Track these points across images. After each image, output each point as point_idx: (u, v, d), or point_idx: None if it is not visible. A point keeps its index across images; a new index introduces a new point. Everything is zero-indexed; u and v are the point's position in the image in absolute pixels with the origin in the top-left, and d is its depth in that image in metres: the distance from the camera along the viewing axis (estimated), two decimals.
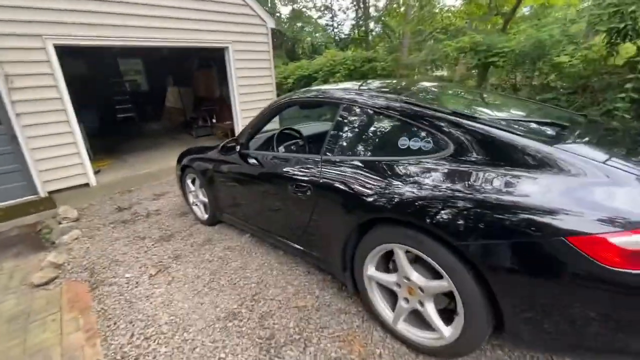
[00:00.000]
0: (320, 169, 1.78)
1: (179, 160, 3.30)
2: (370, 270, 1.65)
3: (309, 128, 3.24)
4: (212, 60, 7.66)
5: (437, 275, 1.38)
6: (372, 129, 1.70)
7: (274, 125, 3.46)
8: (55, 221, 3.75)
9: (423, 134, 1.48)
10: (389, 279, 1.59)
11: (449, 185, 1.28)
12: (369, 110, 1.70)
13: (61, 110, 4.38)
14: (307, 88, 2.24)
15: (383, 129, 1.67)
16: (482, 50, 4.77)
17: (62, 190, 4.63)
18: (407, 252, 1.46)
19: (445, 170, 1.34)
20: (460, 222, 1.19)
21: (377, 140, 1.68)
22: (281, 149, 2.57)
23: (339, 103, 1.82)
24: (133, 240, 3.07)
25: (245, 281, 2.29)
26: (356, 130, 1.75)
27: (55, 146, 4.42)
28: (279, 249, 2.62)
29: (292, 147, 2.65)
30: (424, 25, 8.76)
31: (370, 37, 17.13)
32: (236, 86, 6.10)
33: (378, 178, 1.52)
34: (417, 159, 1.44)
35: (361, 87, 2.00)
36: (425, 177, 1.37)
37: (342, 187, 1.64)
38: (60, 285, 2.54)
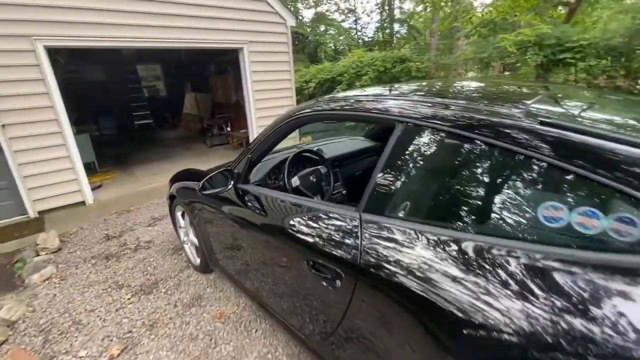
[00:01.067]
0: (359, 237, 1.00)
1: (170, 185, 2.62)
2: None
3: (333, 147, 2.47)
4: (229, 65, 7.11)
5: None
6: (475, 177, 0.88)
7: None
8: (34, 251, 3.19)
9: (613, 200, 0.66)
10: None
11: None
12: (461, 139, 0.90)
13: (53, 121, 3.86)
14: (333, 95, 1.46)
15: (502, 180, 0.85)
16: (550, 44, 3.82)
17: (55, 209, 4.11)
18: None
19: None
20: None
21: (488, 201, 0.85)
22: (295, 180, 1.81)
23: (396, 121, 1.05)
24: (108, 290, 2.41)
25: None
26: (434, 174, 0.97)
27: (46, 161, 3.91)
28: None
29: (310, 178, 1.88)
30: (463, 23, 7.82)
31: (394, 40, 16.37)
32: (251, 91, 5.45)
33: (508, 291, 0.70)
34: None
35: (429, 93, 1.22)
36: None
37: (413, 287, 0.85)
38: (3, 356, 1.91)
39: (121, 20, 4.08)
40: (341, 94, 1.43)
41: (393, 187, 0.99)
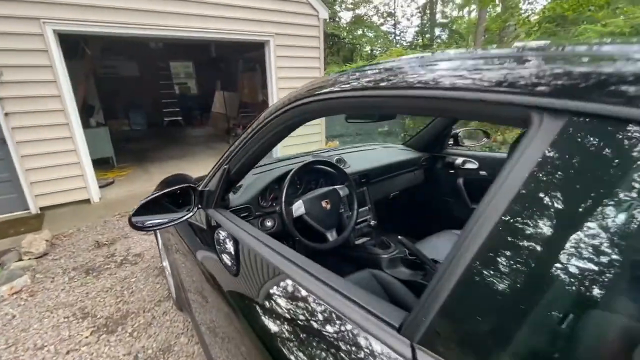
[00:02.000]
0: None
1: None
2: None
3: (360, 157, 1.85)
4: (257, 62, 6.73)
5: None
6: None
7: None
8: (18, 254, 2.85)
9: None
10: None
11: None
12: None
13: (59, 111, 3.58)
14: (369, 64, 0.74)
15: None
16: None
17: (57, 206, 3.83)
18: None
19: None
20: None
21: None
22: (298, 206, 1.22)
23: (543, 111, 0.37)
24: (70, 318, 1.95)
25: None
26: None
27: (50, 154, 3.63)
28: None
29: (322, 203, 1.28)
30: (518, 21, 6.87)
31: (434, 44, 15.50)
32: (276, 89, 4.95)
33: None
34: None
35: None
36: None
37: None
38: None
39: (140, 5, 3.74)
40: (384, 62, 0.68)
41: (525, 289, 0.36)
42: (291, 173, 1.25)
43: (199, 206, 1.06)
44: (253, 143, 0.93)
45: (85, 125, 5.20)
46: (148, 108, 9.44)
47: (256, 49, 5.49)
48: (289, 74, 5.00)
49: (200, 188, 1.08)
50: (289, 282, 0.67)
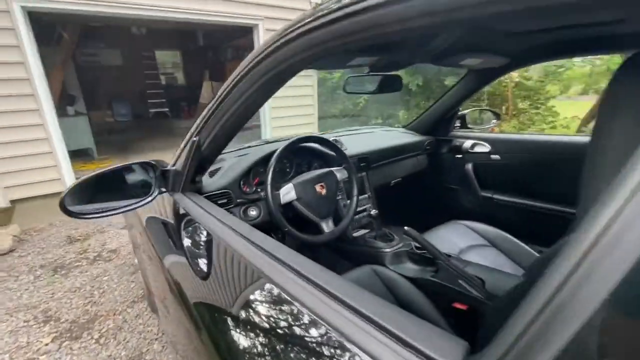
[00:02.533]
0: None
1: None
2: None
3: (358, 139, 1.66)
4: (246, 49, 6.44)
5: None
6: None
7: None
8: None
9: None
10: None
11: None
12: None
13: (28, 96, 3.28)
14: None
15: None
16: None
17: (30, 199, 3.54)
18: None
19: None
20: None
21: None
22: (287, 190, 1.02)
23: None
24: (31, 322, 1.72)
25: None
26: None
27: (20, 142, 3.34)
28: None
29: (317, 188, 1.08)
30: None
31: None
32: None
33: None
34: None
35: None
36: None
37: None
38: None
39: None
40: None
41: None
42: (279, 150, 1.04)
43: (162, 190, 0.85)
44: (228, 105, 0.72)
45: (63, 114, 4.89)
46: (132, 99, 9.07)
47: (245, 35, 5.21)
48: None
49: (165, 167, 0.87)
50: (278, 291, 0.47)
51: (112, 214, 0.77)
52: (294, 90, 5.02)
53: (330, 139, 1.29)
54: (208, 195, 1.03)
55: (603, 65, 6.13)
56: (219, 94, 0.75)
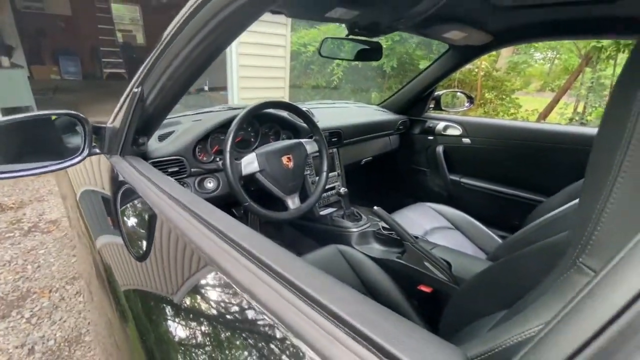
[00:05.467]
0: None
1: None
2: None
3: (330, 113, 1.56)
4: None
5: None
6: None
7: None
8: None
9: None
10: None
11: None
12: None
13: None
14: None
15: None
16: None
17: None
18: None
19: None
20: None
21: None
22: (249, 159, 0.92)
23: None
24: None
25: None
26: None
27: None
28: None
29: (284, 160, 0.98)
30: None
31: None
32: (234, 46, 4.38)
33: None
34: None
35: None
36: None
37: None
38: None
39: None
40: None
41: None
42: (243, 112, 0.92)
43: (95, 150, 0.70)
44: (177, 49, 0.59)
45: None
46: (83, 56, 8.17)
47: None
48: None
49: (98, 125, 0.72)
50: (227, 280, 0.37)
51: (24, 175, 0.62)
52: (265, 61, 4.75)
53: (304, 109, 1.18)
54: (155, 162, 0.90)
55: (560, 65, 6.46)
56: (165, 34, 0.61)
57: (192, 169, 0.98)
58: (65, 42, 7.88)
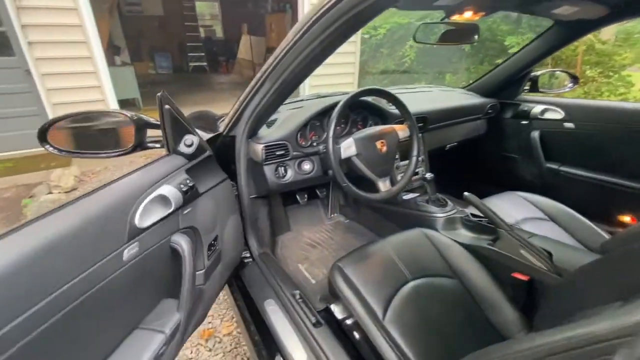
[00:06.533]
0: None
1: None
2: None
3: (415, 98, 1.55)
4: (288, 1, 6.15)
5: None
6: None
7: None
8: (48, 187, 2.87)
9: None
10: None
11: None
12: None
13: (81, 43, 3.38)
14: None
15: None
16: None
17: None
18: None
19: None
20: None
21: None
22: (347, 144, 0.99)
23: None
24: None
25: None
26: None
27: (76, 89, 3.52)
28: None
29: (377, 145, 1.03)
30: None
31: None
32: None
33: None
34: None
35: None
36: None
37: None
38: None
39: None
40: None
41: None
42: (344, 101, 0.99)
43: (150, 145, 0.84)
44: (303, 45, 0.68)
45: (111, 63, 5.05)
46: (173, 51, 9.14)
47: None
48: None
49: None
50: None
51: (101, 157, 0.81)
52: None
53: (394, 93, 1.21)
54: (267, 145, 1.03)
55: None
56: (275, 55, 0.72)
57: (294, 152, 1.10)
58: (158, 40, 8.91)
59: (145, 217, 0.67)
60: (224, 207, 0.95)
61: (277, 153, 1.06)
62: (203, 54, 9.29)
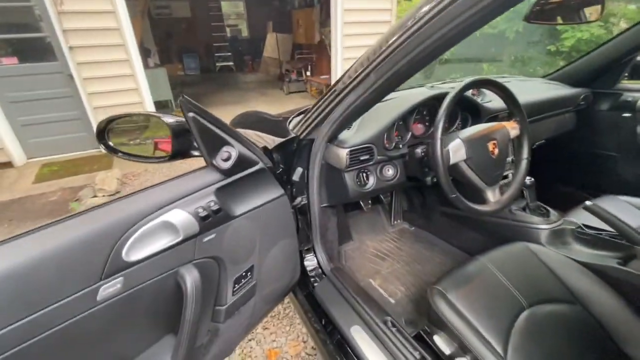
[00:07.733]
0: None
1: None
2: None
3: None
4: None
5: None
6: None
7: None
8: (93, 190, 2.90)
9: None
10: None
11: None
12: None
13: (120, 46, 3.40)
14: None
15: None
16: None
17: None
18: None
19: None
20: None
21: None
22: (457, 149, 0.83)
23: None
24: None
25: None
26: None
27: (116, 92, 3.55)
28: None
29: (489, 146, 0.87)
30: None
31: None
32: (340, 24, 4.34)
33: None
34: None
35: None
36: None
37: None
38: None
39: None
40: None
41: None
42: (452, 95, 0.82)
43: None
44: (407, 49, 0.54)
45: (145, 66, 5.11)
46: (200, 52, 9.24)
47: None
48: (357, 5, 4.31)
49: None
50: None
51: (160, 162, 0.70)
52: (369, 40, 4.60)
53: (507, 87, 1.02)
54: (352, 150, 0.89)
55: None
56: (387, 42, 0.59)
57: (378, 157, 0.96)
58: (186, 42, 9.03)
59: (138, 248, 0.55)
60: (272, 230, 0.82)
61: (361, 158, 0.92)
62: (230, 53, 9.34)
